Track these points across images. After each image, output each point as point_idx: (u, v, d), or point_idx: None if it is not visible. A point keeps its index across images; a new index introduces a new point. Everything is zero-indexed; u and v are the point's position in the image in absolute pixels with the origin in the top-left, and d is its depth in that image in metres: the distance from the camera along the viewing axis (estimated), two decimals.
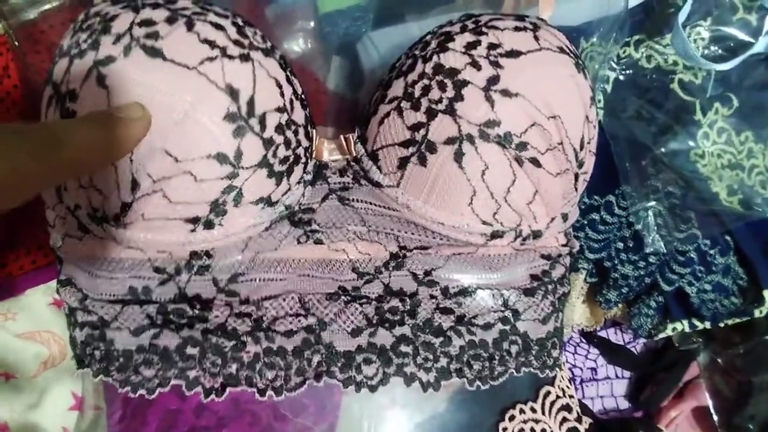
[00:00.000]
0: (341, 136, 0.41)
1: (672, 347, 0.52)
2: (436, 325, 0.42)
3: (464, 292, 0.42)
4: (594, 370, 0.53)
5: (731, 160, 0.48)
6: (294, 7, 0.51)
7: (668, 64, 0.50)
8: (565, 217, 0.41)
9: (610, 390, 0.53)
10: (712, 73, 0.49)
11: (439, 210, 0.38)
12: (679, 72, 0.49)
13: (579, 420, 0.44)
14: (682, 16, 0.47)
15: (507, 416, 0.43)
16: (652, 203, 0.47)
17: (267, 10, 0.50)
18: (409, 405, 0.48)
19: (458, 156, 0.36)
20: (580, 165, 0.39)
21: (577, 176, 0.39)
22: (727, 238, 0.47)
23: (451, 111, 0.36)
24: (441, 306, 0.42)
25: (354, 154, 0.40)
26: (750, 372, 0.48)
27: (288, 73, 0.38)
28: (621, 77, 0.51)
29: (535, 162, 0.37)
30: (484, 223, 0.38)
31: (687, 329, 0.48)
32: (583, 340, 0.53)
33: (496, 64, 0.36)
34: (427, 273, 0.42)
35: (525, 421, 0.43)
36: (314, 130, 0.40)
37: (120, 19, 0.34)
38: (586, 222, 0.49)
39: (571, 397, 0.45)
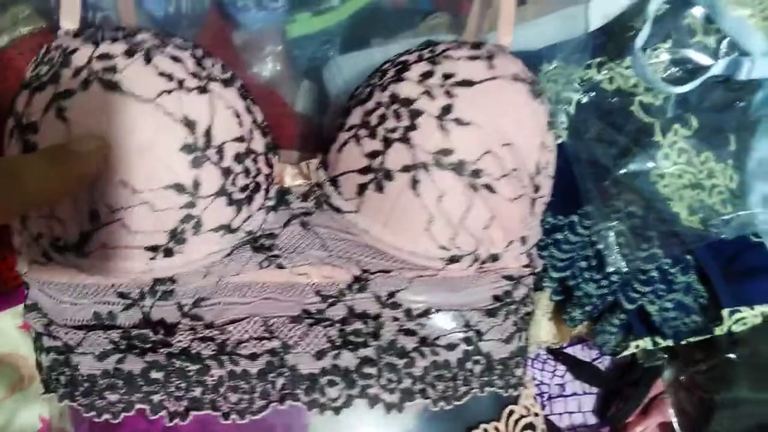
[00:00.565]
0: (304, 162, 0.41)
1: (638, 364, 0.53)
2: (400, 347, 0.43)
3: (427, 313, 0.43)
4: (562, 386, 0.53)
5: (692, 180, 0.49)
6: (262, 32, 0.52)
7: (629, 86, 0.51)
8: (523, 240, 0.42)
9: (578, 406, 0.53)
10: (672, 95, 0.50)
11: (397, 235, 0.39)
12: (639, 94, 0.50)
13: None
14: (640, 40, 0.48)
15: None
16: (614, 223, 0.48)
17: (234, 35, 0.51)
18: (378, 424, 0.48)
19: (414, 183, 0.37)
20: (536, 189, 0.40)
21: (534, 201, 0.40)
22: (689, 257, 0.48)
23: (406, 140, 0.37)
24: (404, 327, 0.43)
25: (316, 180, 0.41)
26: (712, 389, 0.48)
27: (248, 102, 0.38)
28: (584, 99, 0.52)
29: (490, 188, 0.37)
30: (441, 248, 0.39)
31: (650, 347, 0.48)
32: (551, 357, 0.54)
33: (449, 94, 0.37)
34: (391, 295, 0.42)
35: None
36: (276, 157, 0.41)
37: (79, 52, 0.35)
38: (551, 241, 0.50)
39: (536, 414, 0.46)
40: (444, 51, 0.39)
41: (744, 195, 0.49)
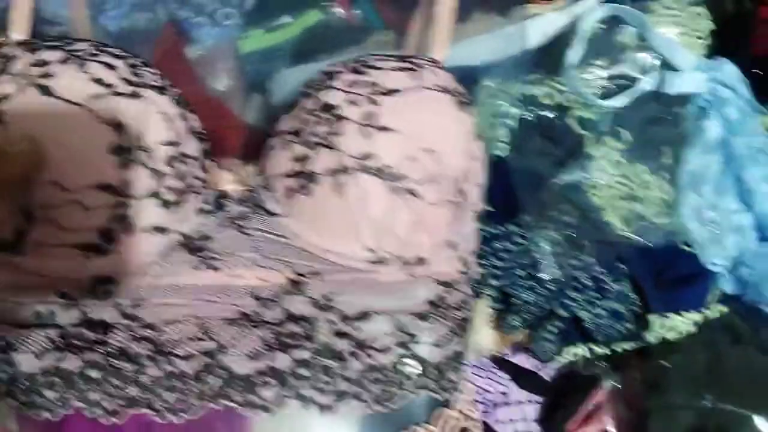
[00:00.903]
0: (240, 168, 0.43)
1: (581, 373, 0.54)
2: (335, 350, 0.44)
3: (362, 316, 0.44)
4: (506, 394, 0.54)
5: (626, 192, 0.51)
6: (215, 47, 0.54)
7: (567, 101, 0.53)
8: (452, 245, 0.43)
9: (522, 414, 0.54)
10: (607, 109, 0.52)
11: (324, 238, 0.40)
12: (576, 109, 0.52)
13: None
14: (572, 58, 0.51)
15: None
16: (549, 232, 0.50)
17: (188, 50, 0.53)
18: (321, 427, 0.49)
19: (339, 187, 0.39)
20: (463, 196, 0.42)
21: (460, 206, 0.42)
22: (622, 266, 0.50)
23: (330, 144, 0.38)
24: (339, 330, 0.44)
25: (251, 185, 0.43)
26: (646, 396, 0.49)
27: (183, 110, 0.40)
28: (525, 114, 0.54)
29: (413, 193, 0.39)
30: (368, 250, 0.40)
31: (586, 354, 0.49)
32: (494, 365, 0.55)
33: (373, 102, 0.39)
34: (326, 298, 0.44)
35: None
36: (213, 163, 0.43)
37: (18, 59, 0.37)
38: (490, 251, 0.51)
39: (473, 420, 0.47)
40: (371, 62, 0.41)
41: (676, 206, 0.51)
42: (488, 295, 0.52)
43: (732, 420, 0.47)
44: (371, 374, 0.44)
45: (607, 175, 0.50)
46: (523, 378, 0.54)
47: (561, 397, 0.54)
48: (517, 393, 0.54)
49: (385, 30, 0.55)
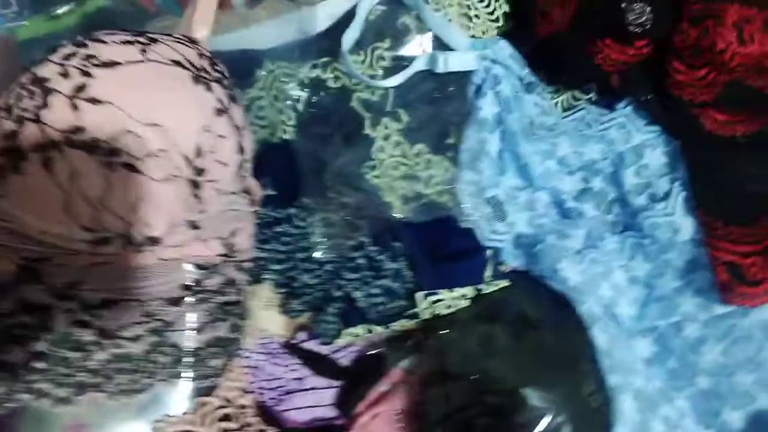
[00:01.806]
0: None
1: (379, 355, 0.53)
2: (74, 340, 0.42)
3: (106, 304, 0.42)
4: (300, 380, 0.53)
5: (406, 172, 0.51)
6: None
7: (351, 83, 0.52)
8: (195, 225, 0.42)
9: (318, 400, 0.53)
10: (389, 90, 0.52)
11: (39, 218, 0.38)
12: (359, 90, 0.52)
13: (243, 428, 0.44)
14: (347, 38, 0.51)
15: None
16: (327, 213, 0.49)
17: None
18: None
19: (47, 163, 0.37)
20: (199, 173, 0.40)
21: (197, 184, 0.41)
22: (398, 244, 0.49)
23: (37, 119, 0.37)
24: (80, 319, 0.42)
25: None
26: (428, 372, 0.49)
27: None
28: (312, 97, 0.53)
29: (131, 167, 0.38)
30: (85, 229, 0.38)
31: (364, 334, 0.49)
32: (286, 351, 0.53)
33: (86, 74, 0.37)
34: (65, 286, 0.41)
35: None
36: None
37: None
38: (272, 234, 0.50)
39: (241, 407, 0.45)
40: (98, 36, 0.40)
41: (456, 184, 0.51)
42: (270, 279, 0.51)
43: (505, 395, 0.47)
44: (117, 364, 0.42)
45: (386, 156, 0.50)
46: (316, 363, 0.53)
47: (357, 381, 0.53)
48: (312, 379, 0.53)
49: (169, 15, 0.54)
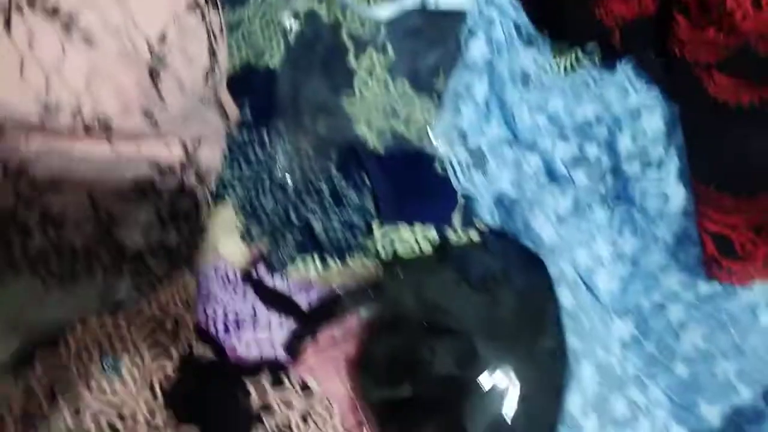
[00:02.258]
0: None
1: (341, 297, 0.51)
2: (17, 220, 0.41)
3: (52, 187, 0.41)
4: (254, 314, 0.51)
5: (386, 106, 0.49)
6: None
7: (342, 15, 0.51)
8: (149, 114, 0.41)
9: (268, 337, 0.51)
10: (380, 23, 0.51)
11: None
12: (349, 22, 0.51)
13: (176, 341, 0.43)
14: None
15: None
16: (296, 139, 0.48)
17: None
18: None
19: (7, 25, 0.37)
20: (161, 62, 0.40)
21: (156, 72, 0.40)
22: (365, 177, 0.47)
23: None
24: (26, 198, 0.41)
25: None
26: (380, 318, 0.46)
27: None
28: (303, 29, 0.52)
29: (88, 41, 0.37)
30: (36, 97, 0.38)
31: (318, 265, 0.47)
32: (244, 282, 0.52)
33: None
34: (17, 165, 0.41)
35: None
36: None
37: None
38: (240, 155, 0.49)
39: (176, 322, 0.44)
40: None
41: (436, 125, 0.49)
42: (233, 202, 0.50)
43: (457, 344, 0.44)
44: (53, 253, 0.42)
45: (367, 88, 0.49)
46: (275, 300, 0.51)
47: (311, 322, 0.51)
48: (266, 315, 0.51)
49: None
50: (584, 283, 0.50)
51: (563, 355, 0.44)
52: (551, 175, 0.53)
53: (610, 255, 0.52)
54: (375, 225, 0.46)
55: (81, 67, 0.38)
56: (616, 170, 0.51)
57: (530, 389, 0.42)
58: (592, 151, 0.53)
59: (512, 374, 0.43)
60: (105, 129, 0.40)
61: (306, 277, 0.50)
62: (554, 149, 0.52)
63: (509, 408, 0.43)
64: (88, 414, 0.40)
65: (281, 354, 0.51)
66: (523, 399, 0.43)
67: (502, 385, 0.43)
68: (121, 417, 0.41)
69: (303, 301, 0.53)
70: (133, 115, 0.40)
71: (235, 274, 0.51)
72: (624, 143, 0.50)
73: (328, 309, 0.51)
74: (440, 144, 0.48)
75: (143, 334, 0.42)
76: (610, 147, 0.51)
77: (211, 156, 0.47)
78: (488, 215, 0.50)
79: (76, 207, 0.42)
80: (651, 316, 0.50)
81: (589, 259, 0.50)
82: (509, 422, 0.43)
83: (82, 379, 0.41)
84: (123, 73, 0.39)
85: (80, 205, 0.42)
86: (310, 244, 0.47)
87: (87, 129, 0.40)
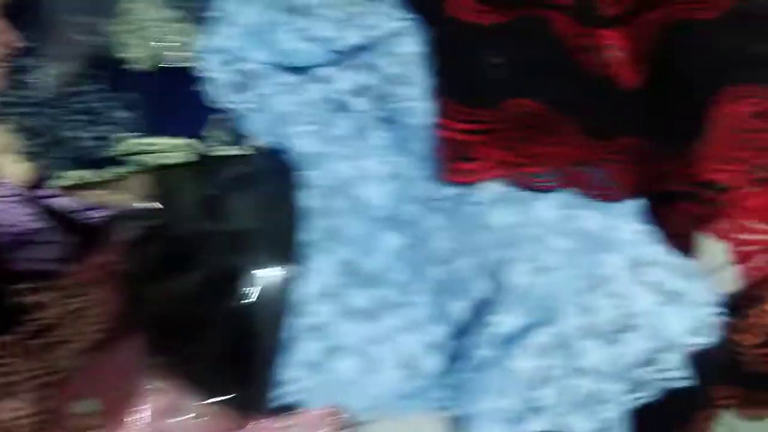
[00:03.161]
0: None
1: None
2: None
3: None
4: (38, 231, 0.53)
5: (150, 28, 0.52)
6: None
7: None
8: None
9: (51, 253, 0.53)
10: None
11: None
12: None
13: None
14: None
15: None
16: (61, 58, 0.51)
17: None
18: None
19: None
20: None
21: None
22: (125, 93, 0.50)
23: None
24: None
25: None
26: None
27: None
28: None
29: None
30: None
31: (76, 179, 0.50)
32: (29, 199, 0.54)
33: None
34: None
35: None
36: None
37: None
38: (21, 82, 0.52)
39: None
40: None
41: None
42: (14, 122, 0.52)
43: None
44: None
45: (131, 11, 0.52)
46: (59, 218, 0.54)
47: (90, 242, 0.53)
48: (48, 232, 0.53)
49: None
50: (349, 193, 0.53)
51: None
52: (331, 102, 0.56)
53: (385, 175, 0.55)
54: (133, 138, 0.49)
55: None
56: (384, 93, 0.55)
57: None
58: (371, 80, 0.56)
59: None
60: None
61: (91, 196, 0.53)
62: (334, 80, 0.55)
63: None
64: None
65: (58, 268, 0.54)
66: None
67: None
68: None
69: (90, 220, 0.55)
70: None
71: (20, 192, 0.53)
72: (385, 66, 0.54)
73: (107, 226, 0.54)
74: (203, 64, 0.51)
75: None
76: (378, 70, 0.55)
77: None
78: (263, 136, 0.53)
79: None
80: (413, 224, 0.53)
81: (355, 172, 0.53)
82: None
83: None
84: None
85: None
86: (69, 158, 0.50)
87: None
